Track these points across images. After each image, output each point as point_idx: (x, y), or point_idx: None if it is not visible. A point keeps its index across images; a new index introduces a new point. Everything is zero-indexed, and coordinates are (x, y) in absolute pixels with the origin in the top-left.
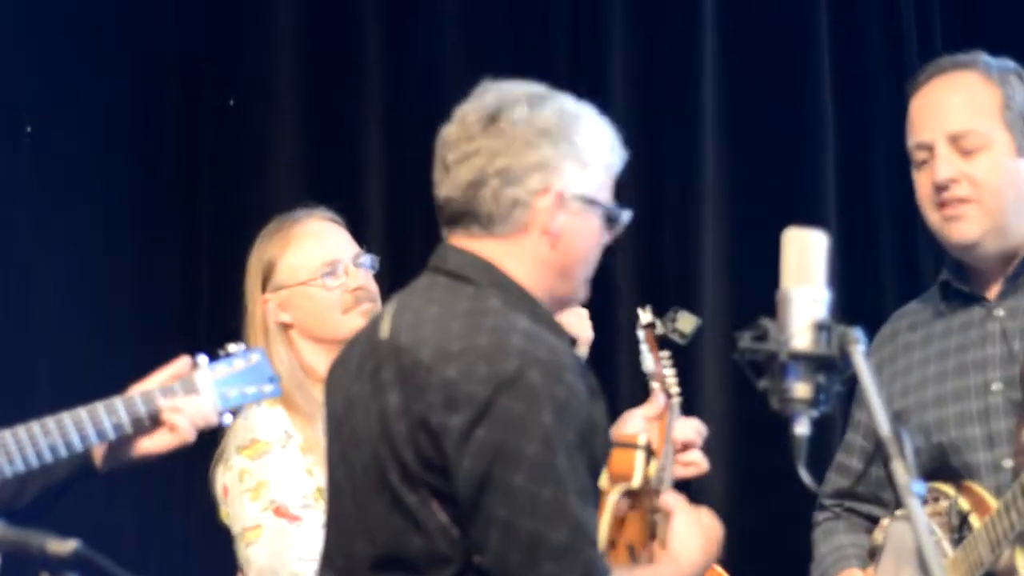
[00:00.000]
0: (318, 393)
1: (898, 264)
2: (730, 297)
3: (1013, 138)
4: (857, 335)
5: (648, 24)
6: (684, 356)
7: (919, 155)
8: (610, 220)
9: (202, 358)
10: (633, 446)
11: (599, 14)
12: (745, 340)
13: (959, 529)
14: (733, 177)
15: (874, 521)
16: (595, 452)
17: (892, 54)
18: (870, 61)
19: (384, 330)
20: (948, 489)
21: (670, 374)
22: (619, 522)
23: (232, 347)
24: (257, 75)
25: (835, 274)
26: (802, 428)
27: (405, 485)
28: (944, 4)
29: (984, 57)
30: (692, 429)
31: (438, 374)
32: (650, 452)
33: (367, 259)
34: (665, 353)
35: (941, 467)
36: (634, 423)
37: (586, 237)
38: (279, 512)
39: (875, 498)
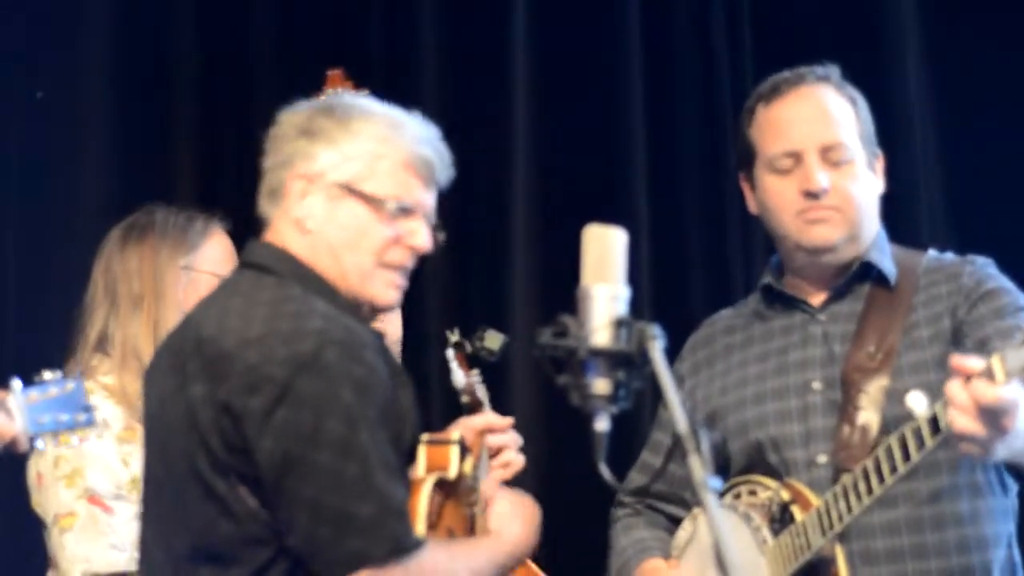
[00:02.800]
0: None
1: (707, 266)
2: (540, 308)
3: (865, 153)
4: (655, 331)
5: (459, 40)
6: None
7: (784, 163)
8: (384, 206)
9: (15, 382)
10: (447, 442)
11: (411, 22)
12: (545, 336)
13: (780, 519)
14: (543, 187)
15: (675, 521)
16: (399, 430)
17: (703, 57)
18: (681, 64)
19: (190, 327)
20: (769, 482)
21: (481, 388)
22: (438, 508)
23: (48, 375)
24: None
25: (645, 275)
26: (602, 424)
27: (214, 472)
28: (754, 17)
29: (836, 72)
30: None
31: (240, 360)
32: (464, 448)
33: None
34: (475, 370)
35: (758, 463)
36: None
37: (346, 223)
38: (93, 501)
39: (678, 498)
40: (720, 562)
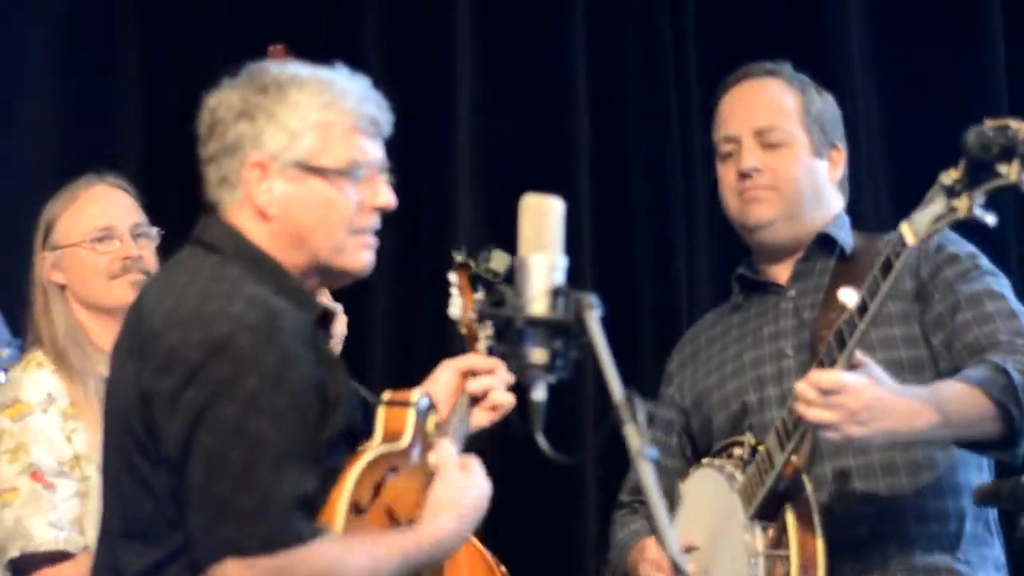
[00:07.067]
0: (93, 353)
1: (649, 237)
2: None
3: (811, 139)
4: (592, 300)
5: (402, 12)
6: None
7: (725, 147)
8: (344, 176)
9: None
10: (405, 404)
11: None
12: (483, 306)
13: (750, 459)
14: (488, 161)
15: None
16: (324, 418)
17: (647, 26)
18: (626, 33)
19: (140, 303)
20: (743, 438)
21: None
22: (376, 486)
23: None
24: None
25: (589, 249)
26: (539, 394)
27: (137, 452)
28: (699, 14)
29: (788, 67)
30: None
31: (162, 341)
32: (428, 407)
33: (148, 231)
34: (478, 295)
35: (739, 428)
36: (443, 376)
37: (312, 203)
38: (35, 477)
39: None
40: (656, 531)
